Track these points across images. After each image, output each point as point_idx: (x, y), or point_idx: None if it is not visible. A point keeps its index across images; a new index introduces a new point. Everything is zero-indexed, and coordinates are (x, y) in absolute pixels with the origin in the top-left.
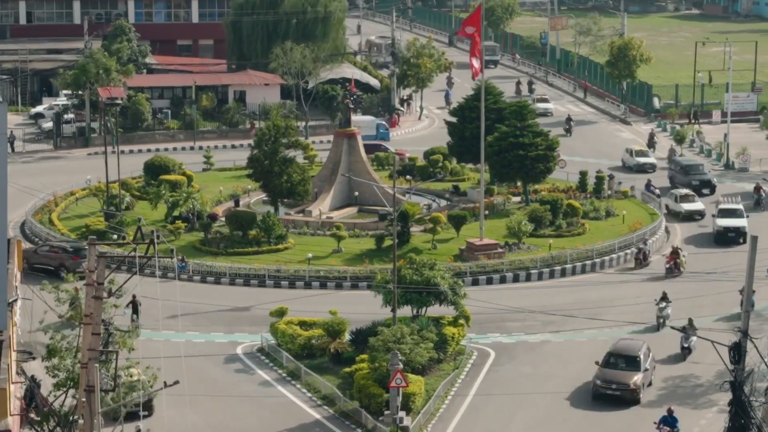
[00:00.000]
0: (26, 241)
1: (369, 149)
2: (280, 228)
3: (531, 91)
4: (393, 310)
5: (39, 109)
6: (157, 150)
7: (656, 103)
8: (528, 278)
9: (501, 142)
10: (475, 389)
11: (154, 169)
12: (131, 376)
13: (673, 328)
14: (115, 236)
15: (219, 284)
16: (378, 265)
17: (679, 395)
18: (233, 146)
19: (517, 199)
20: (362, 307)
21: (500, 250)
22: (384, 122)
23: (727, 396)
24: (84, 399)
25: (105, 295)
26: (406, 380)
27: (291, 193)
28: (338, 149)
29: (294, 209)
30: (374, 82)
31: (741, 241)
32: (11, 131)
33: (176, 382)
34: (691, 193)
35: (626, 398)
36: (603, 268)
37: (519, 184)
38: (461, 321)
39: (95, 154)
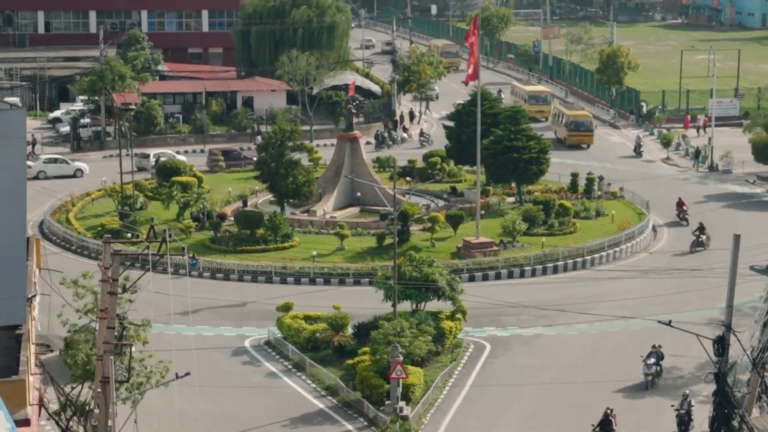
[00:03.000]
0: (44, 240)
1: None
2: (286, 227)
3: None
4: (393, 305)
5: (57, 114)
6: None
7: (644, 108)
8: (522, 275)
9: (496, 146)
10: (471, 380)
11: (166, 171)
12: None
13: (660, 322)
14: (129, 235)
15: (228, 281)
16: (379, 262)
17: (663, 387)
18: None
19: (512, 199)
20: (364, 302)
21: (495, 248)
22: None
23: (711, 387)
24: (99, 390)
25: (119, 291)
26: (405, 372)
27: (296, 193)
28: (341, 152)
29: (299, 209)
30: (375, 89)
31: None
32: (33, 135)
33: (187, 374)
34: None
35: None
36: (593, 265)
37: (513, 185)
38: (458, 315)
39: (110, 156)
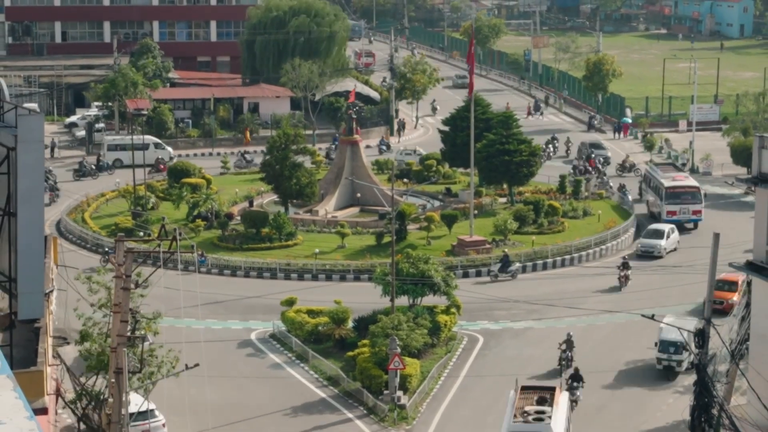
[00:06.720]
0: (61, 238)
1: None
2: (289, 226)
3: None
4: (391, 300)
5: (73, 119)
6: (179, 156)
7: (628, 113)
8: None
9: (489, 149)
10: (465, 371)
11: (177, 173)
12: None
13: (644, 316)
14: (141, 233)
15: (235, 277)
16: (378, 259)
17: (646, 378)
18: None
19: (503, 200)
20: (364, 297)
21: (488, 245)
22: None
23: (689, 378)
24: (113, 380)
25: (132, 286)
26: (403, 363)
27: (300, 194)
28: (342, 155)
29: (302, 209)
30: (374, 95)
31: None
32: (52, 138)
33: (197, 365)
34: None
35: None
36: (581, 262)
37: (505, 186)
38: (453, 309)
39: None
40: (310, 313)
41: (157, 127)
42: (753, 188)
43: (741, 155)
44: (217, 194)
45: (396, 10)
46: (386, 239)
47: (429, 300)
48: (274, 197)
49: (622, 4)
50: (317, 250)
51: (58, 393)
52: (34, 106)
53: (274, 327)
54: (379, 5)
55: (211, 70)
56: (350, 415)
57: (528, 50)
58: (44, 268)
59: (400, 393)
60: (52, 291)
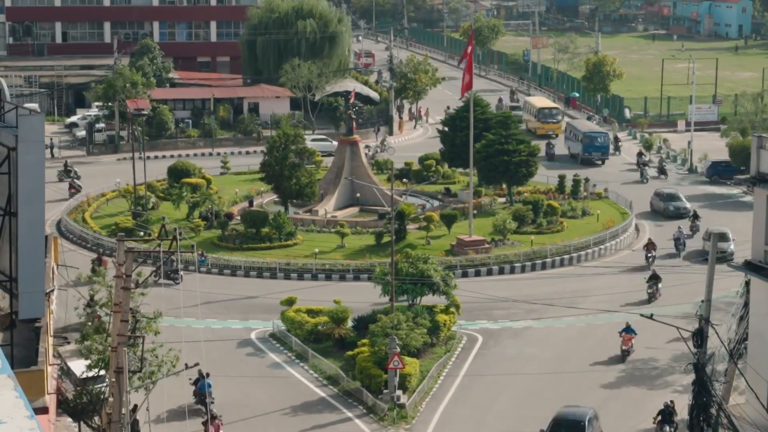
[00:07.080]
0: (62, 237)
1: None
2: (289, 226)
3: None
4: (391, 300)
5: (73, 119)
6: (179, 156)
7: (627, 113)
8: (512, 271)
9: (488, 149)
10: (464, 370)
11: (177, 173)
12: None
13: (642, 315)
14: (141, 233)
15: (235, 276)
16: (377, 258)
17: (642, 377)
18: (247, 152)
19: (503, 199)
20: (363, 297)
21: (487, 245)
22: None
23: (688, 377)
24: (114, 379)
25: (132, 286)
26: (402, 362)
27: (299, 194)
28: (342, 155)
29: (302, 209)
30: (374, 95)
31: None
32: (51, 138)
33: (197, 364)
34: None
35: None
36: (579, 261)
37: (504, 186)
38: (452, 309)
39: (123, 159)
40: (310, 312)
41: (157, 127)
42: (751, 188)
43: (739, 155)
44: (217, 194)
45: (396, 11)
46: (386, 239)
47: (428, 299)
48: (274, 197)
49: (621, 4)
50: (317, 250)
51: (58, 392)
52: (34, 106)
53: (274, 326)
54: (378, 5)
55: (211, 71)
56: (350, 414)
57: (527, 50)
58: (44, 267)
59: (399, 392)
60: (52, 290)
